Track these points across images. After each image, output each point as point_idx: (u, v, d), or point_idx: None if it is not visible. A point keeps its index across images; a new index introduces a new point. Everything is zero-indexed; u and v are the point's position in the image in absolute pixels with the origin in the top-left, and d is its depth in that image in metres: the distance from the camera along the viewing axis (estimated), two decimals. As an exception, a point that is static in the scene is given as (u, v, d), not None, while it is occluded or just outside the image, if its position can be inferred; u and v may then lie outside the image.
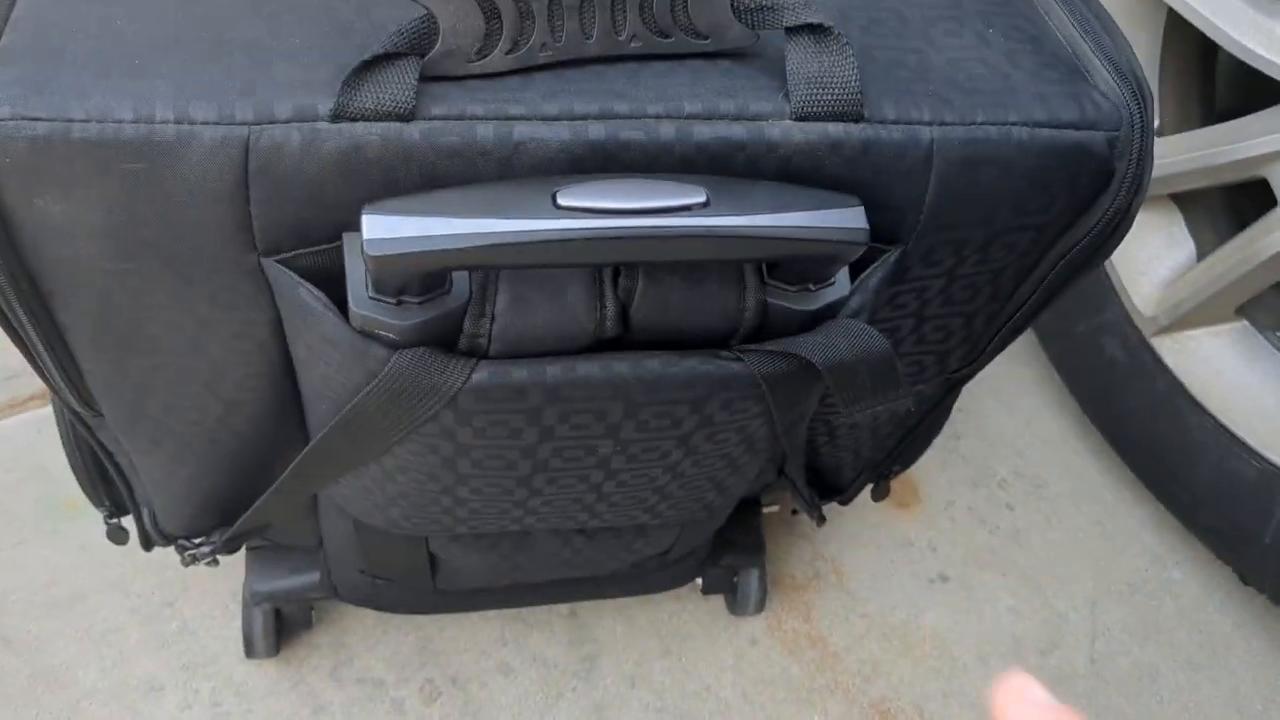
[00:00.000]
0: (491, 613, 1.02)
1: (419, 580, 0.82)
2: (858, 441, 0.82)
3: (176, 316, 0.55)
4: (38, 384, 1.12)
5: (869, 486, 0.95)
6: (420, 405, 0.54)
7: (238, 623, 0.98)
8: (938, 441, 1.20)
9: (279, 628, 0.96)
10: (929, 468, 1.19)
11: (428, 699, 0.97)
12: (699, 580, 1.05)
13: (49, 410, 1.10)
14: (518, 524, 0.70)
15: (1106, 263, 1.14)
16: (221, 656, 0.97)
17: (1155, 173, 1.08)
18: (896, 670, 1.04)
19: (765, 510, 1.03)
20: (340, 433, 0.58)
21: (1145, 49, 1.05)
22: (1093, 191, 0.58)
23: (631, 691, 1.00)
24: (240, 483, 0.70)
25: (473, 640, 1.01)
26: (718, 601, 1.06)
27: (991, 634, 1.08)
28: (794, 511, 1.05)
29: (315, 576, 0.90)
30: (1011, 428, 1.23)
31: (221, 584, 1.01)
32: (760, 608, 1.04)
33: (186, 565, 0.80)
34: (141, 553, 1.00)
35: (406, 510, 0.67)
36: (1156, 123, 1.07)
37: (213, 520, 0.74)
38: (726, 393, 0.57)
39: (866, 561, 1.11)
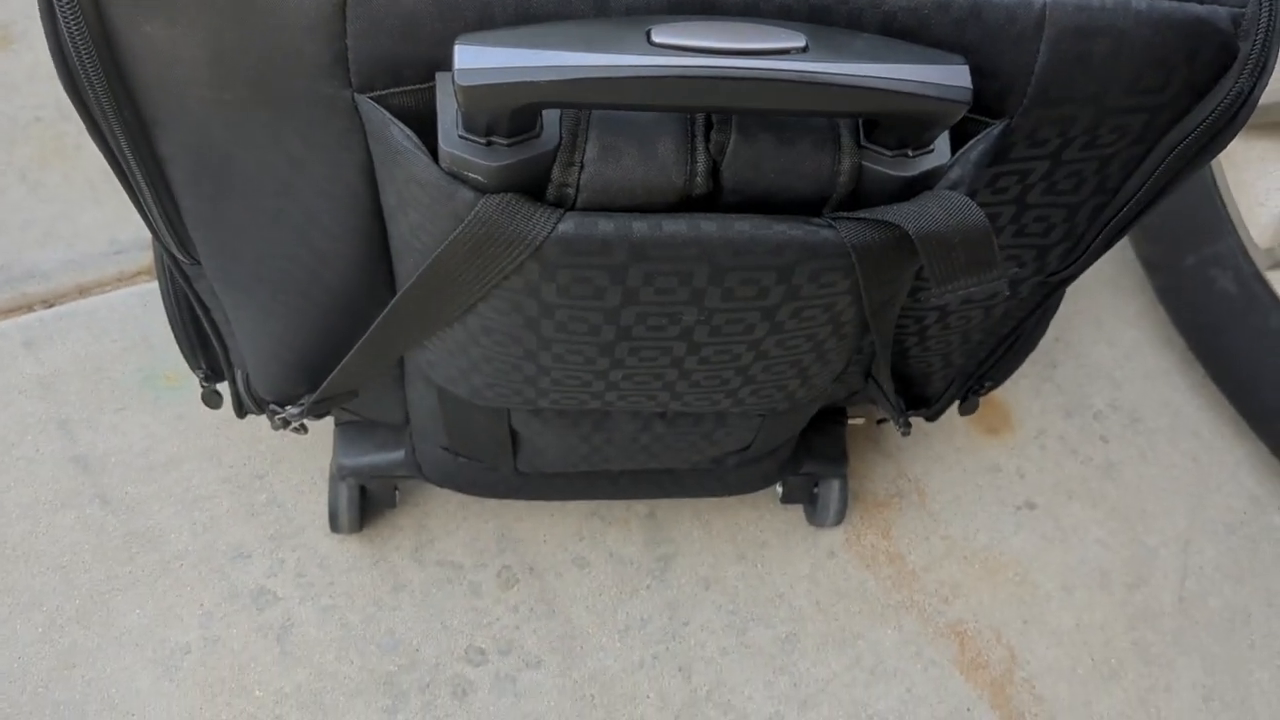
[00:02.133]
0: (570, 507, 1.03)
1: (500, 458, 0.82)
2: (948, 346, 0.80)
3: (270, 155, 0.55)
4: (144, 259, 1.15)
5: (956, 404, 0.94)
6: (505, 255, 0.54)
7: (325, 499, 1.00)
8: (1033, 369, 1.18)
9: (364, 505, 0.98)
10: (1022, 395, 1.16)
11: (504, 584, 0.99)
12: (778, 489, 1.05)
13: (154, 285, 1.13)
14: (599, 399, 0.70)
15: (1223, 193, 1.10)
16: (307, 529, 1.00)
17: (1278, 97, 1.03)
18: (976, 594, 1.03)
19: (850, 422, 1.02)
20: (426, 284, 0.58)
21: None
22: (1213, 72, 0.56)
23: (705, 593, 1.01)
24: (329, 342, 0.71)
25: (550, 532, 1.02)
26: (796, 513, 1.06)
27: (1077, 565, 1.06)
28: (880, 421, 1.03)
29: (400, 454, 0.91)
30: (1111, 359, 1.20)
31: (310, 460, 1.03)
32: (839, 520, 1.03)
33: (276, 429, 0.82)
34: (235, 426, 1.04)
35: (490, 377, 0.67)
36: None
37: (302, 384, 0.76)
38: (815, 261, 0.56)
39: (951, 484, 1.10)
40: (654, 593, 1.00)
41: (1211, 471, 1.13)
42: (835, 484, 1.01)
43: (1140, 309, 1.24)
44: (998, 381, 0.92)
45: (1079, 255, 0.70)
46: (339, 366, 0.70)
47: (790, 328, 0.62)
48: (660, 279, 0.56)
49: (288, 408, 0.78)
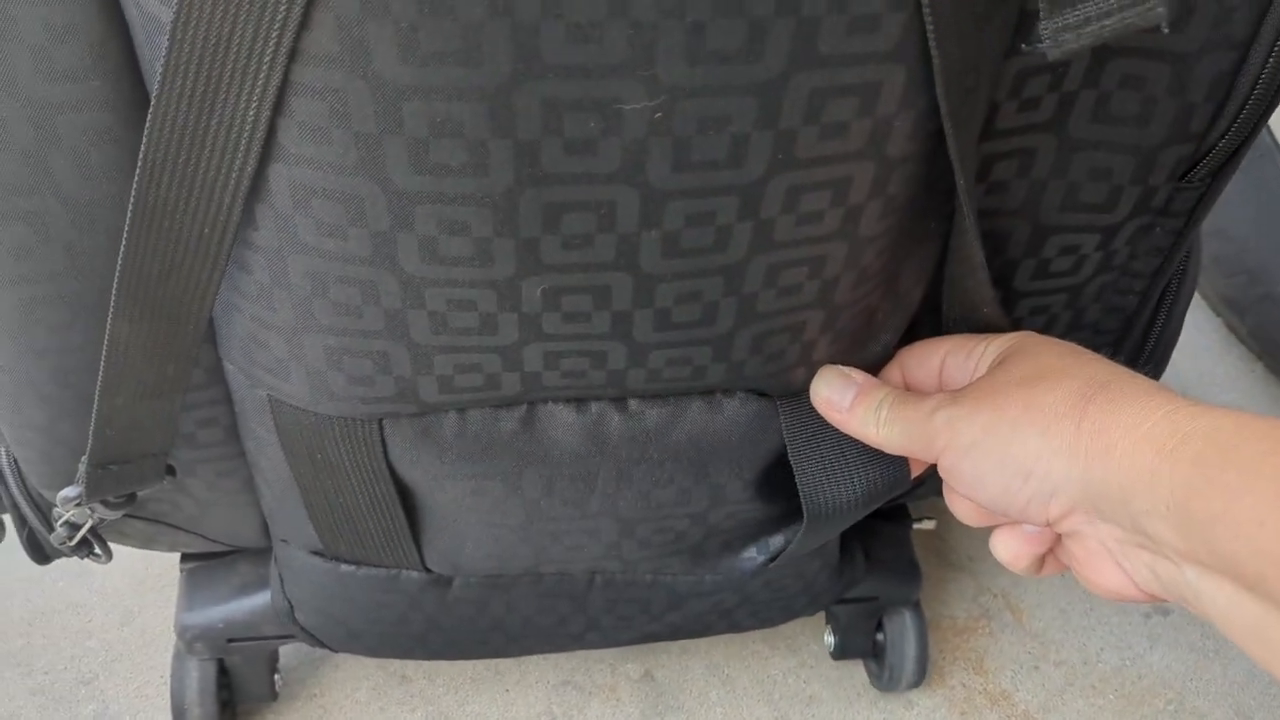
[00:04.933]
0: (531, 675, 0.73)
1: (395, 545, 0.53)
2: (1049, 322, 0.55)
3: None
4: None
5: None
6: None
7: (176, 702, 0.69)
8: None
9: (227, 698, 0.67)
10: (1114, 478, 0.89)
11: (443, 797, 0.67)
12: (829, 639, 0.75)
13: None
14: (516, 362, 0.43)
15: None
16: (151, 748, 0.69)
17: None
18: (1120, 735, 0.72)
19: (916, 526, 0.73)
20: (182, 73, 0.33)
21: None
22: None
23: (738, 777, 0.69)
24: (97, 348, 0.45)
25: (507, 714, 0.71)
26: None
27: (1247, 682, 0.76)
28: None
29: (266, 596, 0.62)
30: (1214, 428, 0.94)
31: (159, 654, 0.73)
32: (921, 675, 0.72)
33: (64, 546, 0.54)
34: (51, 624, 0.75)
35: (331, 335, 0.41)
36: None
37: (75, 442, 0.49)
38: None
39: (1050, 594, 0.81)
40: (665, 784, 0.69)
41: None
42: (908, 618, 0.72)
43: (1231, 372, 0.99)
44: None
45: (1206, 151, 0.46)
46: (102, 370, 0.43)
47: (806, 154, 0.36)
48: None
49: (65, 493, 0.50)
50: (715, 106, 0.34)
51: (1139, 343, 0.56)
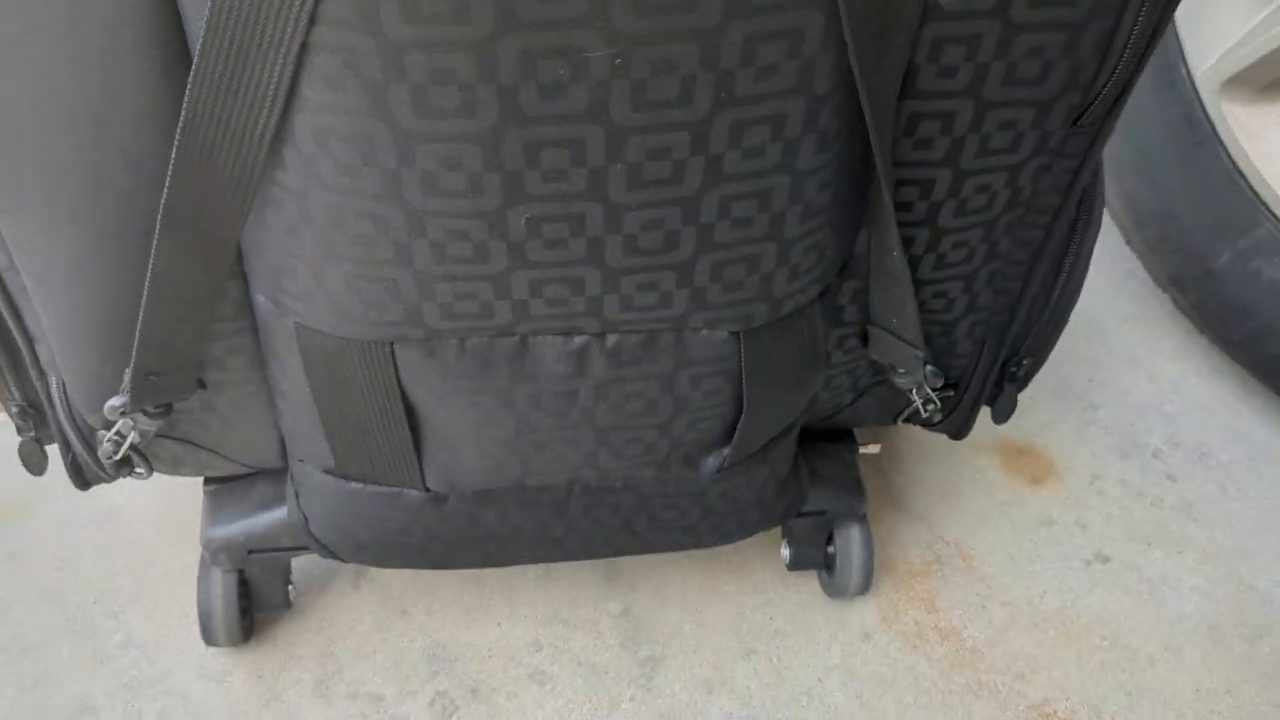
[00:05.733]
0: (521, 611, 0.80)
1: (401, 463, 0.60)
2: (970, 258, 0.62)
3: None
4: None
5: (988, 412, 0.74)
6: None
7: (198, 633, 0.76)
8: (1070, 413, 0.99)
9: (246, 605, 0.74)
10: (1064, 441, 0.96)
11: (441, 715, 0.74)
12: (785, 552, 0.82)
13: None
14: (504, 287, 0.50)
15: (1246, 172, 0.96)
16: (175, 671, 0.75)
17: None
18: (1059, 666, 0.79)
19: (862, 450, 0.81)
20: (220, 38, 0.40)
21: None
22: None
23: (708, 699, 0.76)
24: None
25: (498, 645, 0.78)
26: (812, 592, 0.83)
27: (1177, 621, 0.82)
28: (899, 415, 0.77)
29: (283, 512, 0.69)
30: (1156, 395, 1.01)
31: (181, 588, 0.80)
32: (867, 582, 0.80)
33: (110, 464, 0.61)
34: (83, 562, 0.82)
35: (351, 264, 0.48)
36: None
37: (124, 366, 0.56)
38: None
39: (1000, 542, 0.87)
40: (641, 705, 0.75)
41: (1312, 499, 0.92)
42: (855, 531, 0.79)
43: (1178, 344, 1.06)
44: (1037, 358, 0.73)
45: (1091, 98, 0.54)
46: (147, 285, 0.50)
47: (745, 92, 0.44)
48: None
49: (116, 405, 0.57)
50: (664, 52, 0.42)
51: (1051, 275, 0.64)
